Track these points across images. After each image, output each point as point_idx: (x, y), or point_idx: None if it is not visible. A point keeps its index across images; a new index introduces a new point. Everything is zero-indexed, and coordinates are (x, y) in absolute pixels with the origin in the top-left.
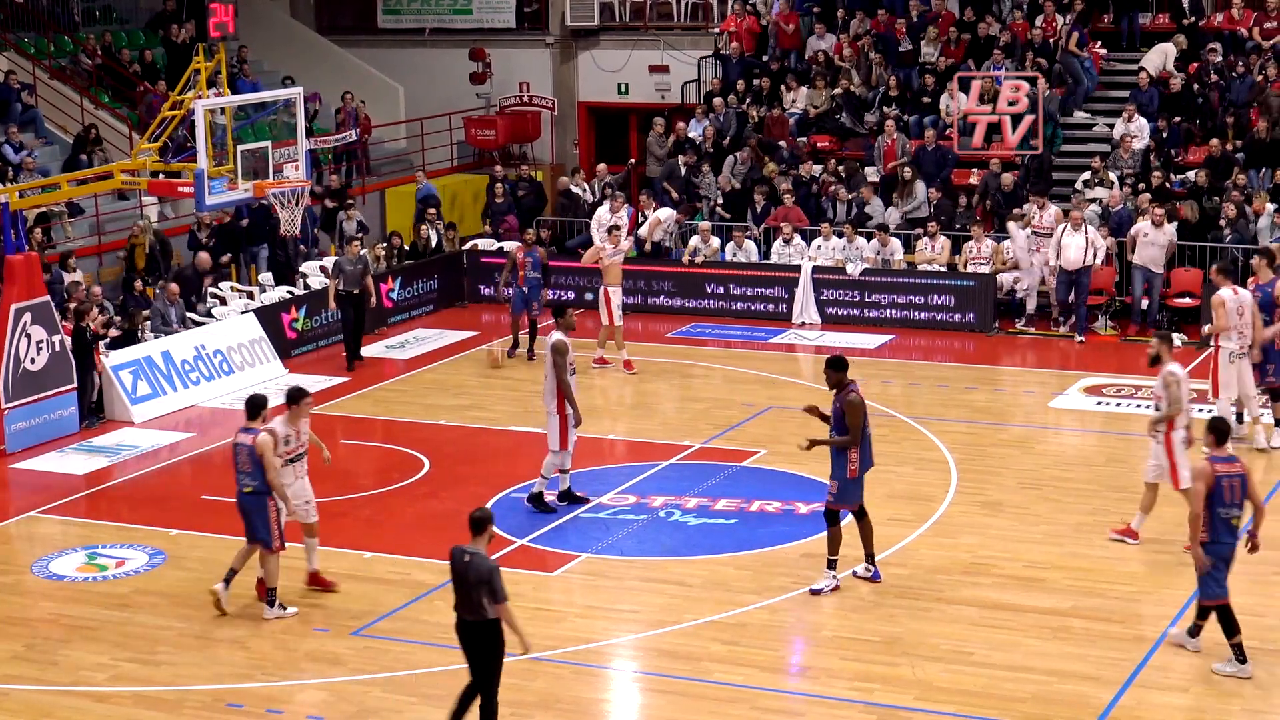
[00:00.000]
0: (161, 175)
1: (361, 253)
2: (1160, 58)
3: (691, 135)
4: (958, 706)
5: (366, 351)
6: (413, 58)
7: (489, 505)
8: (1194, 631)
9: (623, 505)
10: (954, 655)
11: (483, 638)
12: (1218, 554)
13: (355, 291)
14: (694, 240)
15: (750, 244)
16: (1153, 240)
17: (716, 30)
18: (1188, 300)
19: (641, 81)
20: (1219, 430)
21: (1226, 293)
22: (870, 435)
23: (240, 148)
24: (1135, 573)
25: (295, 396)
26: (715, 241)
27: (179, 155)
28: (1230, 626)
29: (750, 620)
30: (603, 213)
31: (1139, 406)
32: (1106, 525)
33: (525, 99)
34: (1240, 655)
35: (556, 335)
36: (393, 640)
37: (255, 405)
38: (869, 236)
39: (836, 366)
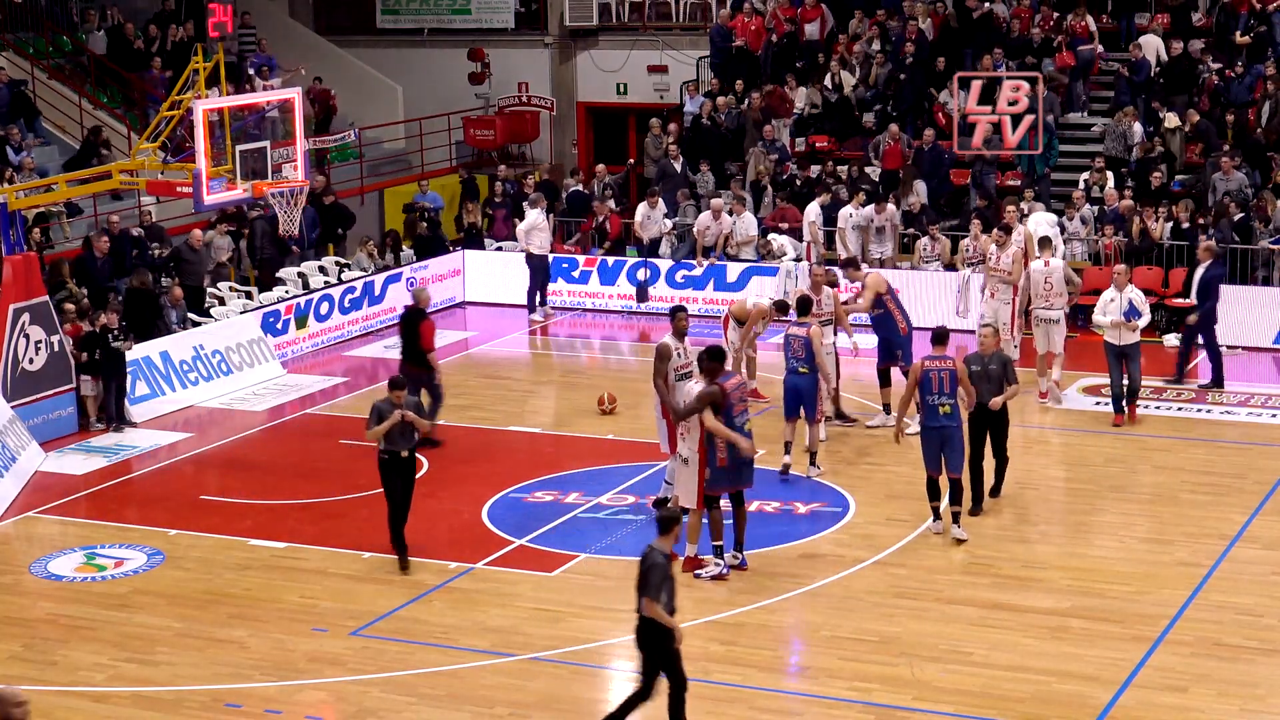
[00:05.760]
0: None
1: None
2: (1154, 49)
3: (688, 110)
4: (956, 707)
5: (365, 351)
6: (411, 58)
7: (483, 506)
8: (955, 518)
9: (622, 505)
10: (952, 655)
11: (643, 634)
12: (927, 435)
13: (405, 455)
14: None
15: (749, 215)
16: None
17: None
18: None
19: (640, 81)
20: (938, 336)
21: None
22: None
23: (238, 147)
24: (1134, 573)
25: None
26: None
27: (178, 156)
28: (933, 493)
29: (748, 620)
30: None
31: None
32: (1106, 525)
33: (524, 99)
34: (936, 515)
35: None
36: (392, 640)
37: (804, 304)
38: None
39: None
